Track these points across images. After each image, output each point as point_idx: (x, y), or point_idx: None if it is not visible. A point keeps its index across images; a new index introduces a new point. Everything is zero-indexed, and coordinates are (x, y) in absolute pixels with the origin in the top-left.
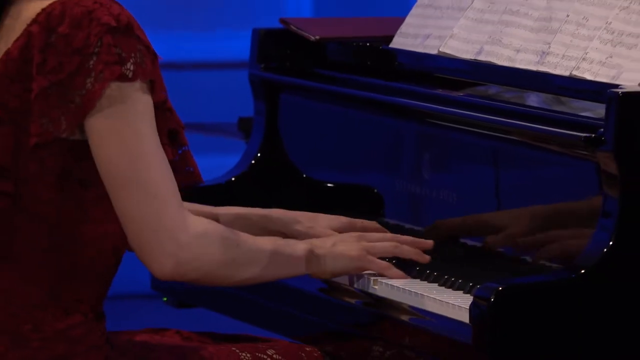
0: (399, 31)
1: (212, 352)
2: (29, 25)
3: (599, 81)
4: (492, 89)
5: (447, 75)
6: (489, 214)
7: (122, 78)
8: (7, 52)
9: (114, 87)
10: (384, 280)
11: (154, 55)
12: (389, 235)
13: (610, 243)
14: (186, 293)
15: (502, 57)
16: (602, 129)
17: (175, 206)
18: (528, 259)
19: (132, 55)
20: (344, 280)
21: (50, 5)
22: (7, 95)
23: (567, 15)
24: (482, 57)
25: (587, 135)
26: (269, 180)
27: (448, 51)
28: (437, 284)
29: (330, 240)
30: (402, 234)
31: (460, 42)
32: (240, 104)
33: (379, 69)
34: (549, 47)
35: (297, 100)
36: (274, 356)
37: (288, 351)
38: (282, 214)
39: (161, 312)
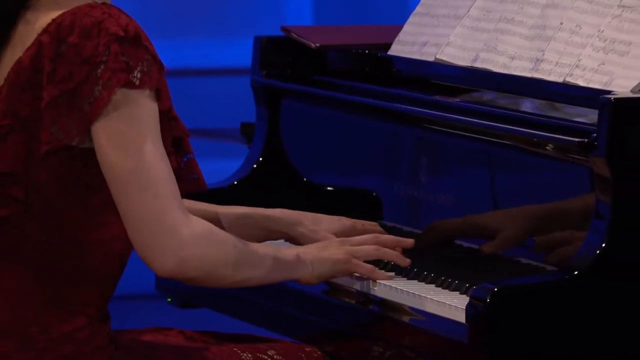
0: (397, 39)
1: (215, 352)
2: (40, 34)
3: (592, 87)
4: (488, 95)
5: (443, 82)
6: (484, 215)
7: (129, 85)
8: (19, 61)
9: (120, 93)
10: (384, 282)
11: (161, 65)
12: (370, 238)
13: (603, 245)
14: (189, 294)
15: (497, 64)
16: (595, 134)
17: (177, 206)
18: (523, 260)
19: (140, 63)
20: (344, 282)
21: (61, 15)
22: (19, 104)
23: (561, 23)
24: (478, 64)
25: (581, 140)
26: (271, 184)
27: (445, 58)
28: (434, 285)
29: (315, 246)
30: (400, 236)
31: (456, 50)
32: (242, 110)
33: (377, 76)
34: (543, 54)
35: (298, 106)
36: (275, 356)
37: (288, 351)
38: (284, 215)
39: (165, 312)
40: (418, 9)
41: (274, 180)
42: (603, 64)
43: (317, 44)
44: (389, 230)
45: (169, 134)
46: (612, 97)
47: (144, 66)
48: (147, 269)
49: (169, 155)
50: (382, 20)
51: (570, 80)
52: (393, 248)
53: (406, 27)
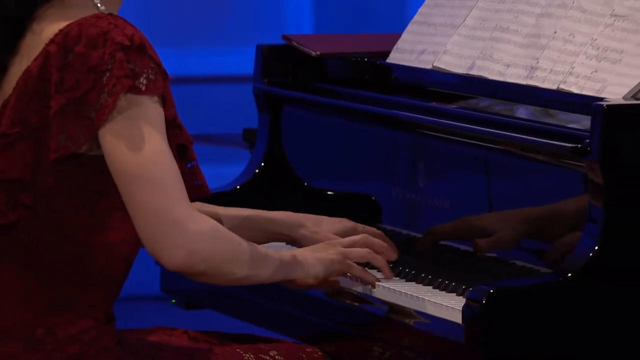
0: (395, 47)
1: (218, 353)
2: (47, 44)
3: (585, 94)
4: (484, 102)
5: (441, 89)
6: (479, 217)
7: (135, 90)
8: (27, 70)
9: (125, 99)
10: (382, 284)
11: (165, 74)
12: (360, 239)
13: (596, 248)
14: (194, 295)
15: (493, 71)
16: (588, 140)
17: (185, 202)
18: (518, 262)
19: (145, 70)
20: (344, 283)
21: (68, 26)
22: (27, 112)
23: (555, 32)
24: (474, 72)
25: (574, 145)
26: (272, 188)
27: (442, 66)
28: (431, 287)
29: (309, 248)
30: (399, 239)
31: (453, 58)
32: (245, 116)
33: (376, 83)
34: (538, 62)
35: (298, 112)
36: (276, 357)
37: (289, 352)
38: (287, 217)
39: (170, 313)
40: (416, 18)
41: (275, 185)
42: (596, 72)
43: (318, 52)
44: (388, 234)
45: (173, 142)
46: (605, 103)
47: (149, 73)
48: (152, 271)
49: None
50: (380, 29)
51: (564, 87)
52: (380, 252)
53: (404, 36)
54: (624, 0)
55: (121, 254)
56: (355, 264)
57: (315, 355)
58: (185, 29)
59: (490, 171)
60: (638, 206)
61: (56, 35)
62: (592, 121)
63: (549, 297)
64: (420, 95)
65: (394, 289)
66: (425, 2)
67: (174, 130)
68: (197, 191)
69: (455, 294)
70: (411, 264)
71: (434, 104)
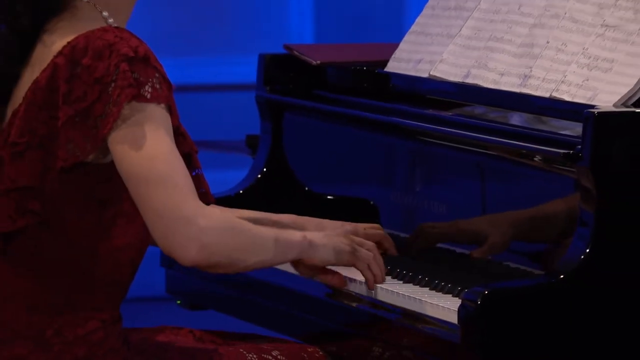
0: (393, 56)
1: (222, 353)
2: (56, 56)
3: (577, 102)
4: (479, 109)
5: (437, 97)
6: (470, 221)
7: (139, 98)
8: (36, 81)
9: (129, 108)
10: (380, 285)
11: (169, 84)
12: (371, 245)
13: (587, 250)
14: (198, 296)
15: (487, 80)
16: (579, 146)
17: (193, 198)
18: (512, 264)
19: (150, 80)
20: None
21: (75, 38)
22: (36, 122)
23: (547, 42)
24: (469, 80)
25: (566, 151)
26: (274, 193)
27: (438, 74)
28: (428, 288)
29: (322, 233)
30: (396, 242)
31: (449, 66)
32: (247, 123)
33: (375, 91)
34: (531, 70)
35: (299, 119)
36: (279, 357)
37: (291, 352)
38: (291, 220)
39: (175, 313)
40: (413, 28)
41: (277, 190)
42: (587, 80)
43: (318, 61)
44: None
45: (178, 150)
46: (596, 111)
47: (154, 82)
48: (158, 273)
49: None
50: (379, 39)
51: (557, 95)
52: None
53: (402, 45)
54: (614, 10)
55: (127, 258)
56: (363, 259)
57: (317, 355)
58: (190, 39)
59: (485, 176)
60: (628, 210)
61: (64, 47)
62: (584, 128)
63: (542, 298)
64: (417, 102)
65: (392, 290)
66: (422, 13)
67: (178, 138)
68: (201, 198)
69: (451, 295)
70: (408, 265)
71: (430, 111)
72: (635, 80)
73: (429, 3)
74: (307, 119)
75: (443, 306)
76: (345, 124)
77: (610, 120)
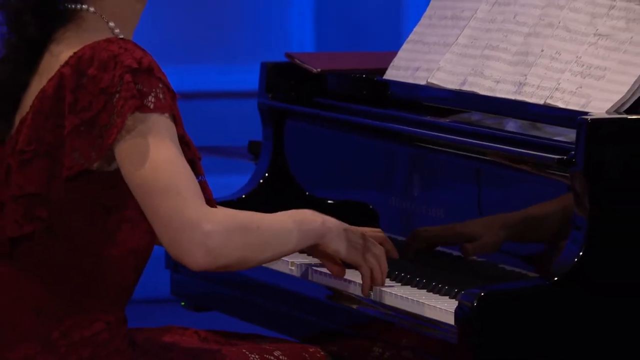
0: (391, 64)
1: (225, 353)
2: (62, 66)
3: (570, 109)
4: (475, 116)
5: (434, 104)
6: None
7: (143, 109)
8: (43, 90)
9: (133, 118)
10: (379, 287)
11: (173, 94)
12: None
13: (580, 254)
14: (202, 298)
15: (483, 87)
16: (573, 152)
17: (197, 202)
18: (507, 267)
19: (153, 90)
20: (344, 287)
21: (82, 49)
22: (43, 131)
23: (542, 50)
24: (465, 88)
25: (560, 157)
26: (276, 197)
27: (435, 82)
28: (425, 290)
29: (341, 225)
30: (395, 245)
31: (446, 74)
32: (250, 129)
33: (374, 98)
34: (526, 78)
35: (301, 125)
36: (280, 357)
37: (293, 352)
38: None
39: (179, 315)
40: (411, 36)
41: (278, 194)
42: (581, 88)
43: (319, 69)
44: None
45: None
46: (589, 117)
47: (157, 92)
48: (163, 275)
49: None
50: (377, 47)
51: (551, 102)
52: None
53: (400, 54)
54: (607, 20)
55: (131, 263)
56: (368, 263)
57: (318, 355)
58: (195, 47)
59: (481, 181)
60: (620, 214)
61: (70, 57)
62: (577, 134)
63: (537, 300)
64: (415, 109)
65: (390, 292)
66: (420, 22)
67: (182, 147)
68: None
69: (448, 296)
70: (407, 268)
71: (428, 117)
72: (627, 88)
73: (427, 12)
74: (308, 126)
75: (440, 307)
76: (345, 130)
77: (603, 127)
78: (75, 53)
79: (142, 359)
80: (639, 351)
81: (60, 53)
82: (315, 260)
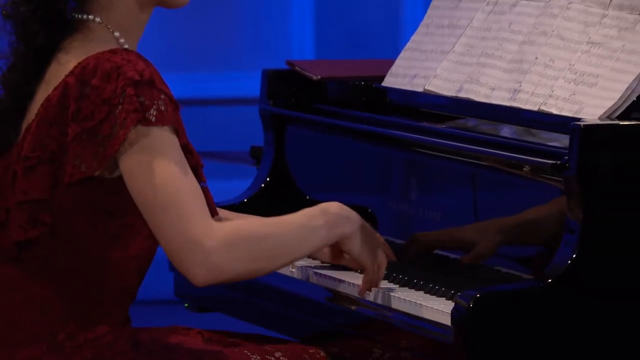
0: (389, 71)
1: (227, 354)
2: (67, 76)
3: (564, 115)
4: (471, 122)
5: (431, 110)
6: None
7: (145, 122)
8: (48, 98)
9: (135, 132)
10: (379, 289)
11: (176, 105)
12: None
13: (574, 256)
14: (205, 299)
15: (479, 94)
16: (566, 157)
17: (200, 218)
18: (502, 269)
19: (155, 102)
20: (344, 289)
21: (86, 59)
22: (47, 138)
23: (536, 58)
24: (462, 94)
25: (554, 162)
26: (277, 201)
27: (432, 89)
28: (422, 292)
29: (360, 222)
30: (393, 248)
31: (443, 81)
32: (252, 135)
33: (372, 105)
34: (520, 85)
35: (301, 131)
36: (281, 358)
37: (294, 353)
38: None
39: (182, 316)
40: (408, 45)
41: (279, 198)
42: (574, 94)
43: (319, 76)
44: None
45: None
46: (582, 123)
47: (159, 105)
48: (167, 276)
49: None
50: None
51: (545, 108)
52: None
53: (398, 61)
54: (599, 28)
55: (134, 267)
56: (375, 264)
57: (318, 356)
58: (198, 55)
59: (477, 185)
60: (612, 218)
61: (75, 67)
62: (570, 140)
63: (531, 301)
64: (412, 115)
65: (389, 294)
66: (417, 31)
67: (185, 156)
68: None
69: (445, 298)
70: (405, 270)
71: (425, 123)
72: (619, 95)
73: (424, 21)
74: (308, 131)
75: (437, 309)
76: (345, 135)
77: (596, 133)
78: (79, 63)
79: (145, 359)
80: (632, 352)
81: (67, 62)
82: (316, 263)
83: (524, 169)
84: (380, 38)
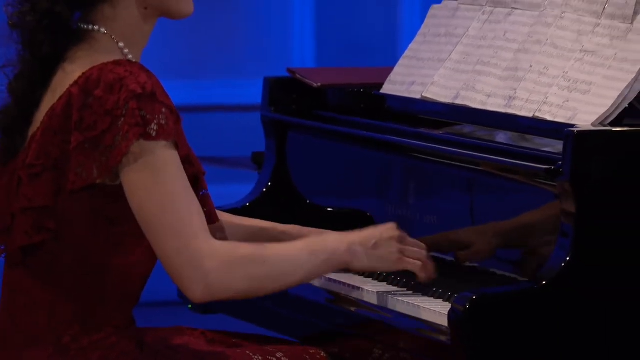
0: (388, 79)
1: (229, 355)
2: (71, 85)
3: (558, 121)
4: (467, 128)
5: (429, 117)
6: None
7: (146, 137)
8: (52, 108)
9: (138, 146)
10: (377, 290)
11: (177, 117)
12: (420, 247)
13: (567, 259)
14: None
15: (475, 101)
16: (560, 162)
17: (200, 238)
18: (498, 272)
19: (156, 117)
20: (344, 290)
21: (90, 69)
22: (51, 146)
23: (531, 66)
24: (458, 101)
25: (548, 167)
26: (278, 205)
27: (430, 96)
28: (421, 294)
29: (372, 239)
30: None
31: (440, 88)
32: (253, 141)
33: (371, 111)
34: (515, 92)
35: (302, 137)
36: (282, 358)
37: (295, 353)
38: (297, 231)
39: (186, 317)
40: (406, 53)
41: (280, 202)
42: (567, 101)
43: (319, 84)
44: None
45: (187, 174)
46: (576, 129)
47: (160, 119)
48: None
49: None
50: (375, 63)
51: (539, 115)
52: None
53: (396, 69)
54: (592, 37)
55: (136, 273)
56: (412, 261)
57: (319, 357)
58: (201, 63)
59: (473, 190)
60: (604, 221)
61: (79, 77)
62: (564, 145)
63: (526, 303)
64: (410, 122)
65: (388, 296)
66: (415, 39)
67: (186, 166)
68: (206, 218)
69: (442, 300)
70: (404, 273)
71: (423, 130)
72: (611, 102)
73: (421, 30)
74: (308, 138)
75: (435, 310)
76: (344, 141)
77: (589, 139)
78: (84, 73)
79: (150, 359)
80: (626, 353)
81: (73, 72)
82: None
83: (519, 174)
84: (379, 46)
